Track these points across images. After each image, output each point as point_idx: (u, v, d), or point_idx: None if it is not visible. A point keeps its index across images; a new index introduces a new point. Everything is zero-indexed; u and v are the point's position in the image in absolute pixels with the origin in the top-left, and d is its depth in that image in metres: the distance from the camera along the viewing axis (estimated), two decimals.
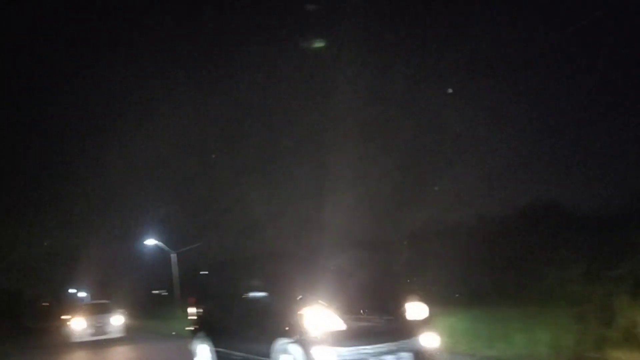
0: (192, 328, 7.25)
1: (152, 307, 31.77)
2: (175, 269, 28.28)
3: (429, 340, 5.25)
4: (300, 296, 5.21)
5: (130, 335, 15.46)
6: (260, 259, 6.95)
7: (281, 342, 5.12)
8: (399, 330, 5.14)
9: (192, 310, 7.27)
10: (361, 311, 5.20)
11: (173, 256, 27.97)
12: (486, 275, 12.02)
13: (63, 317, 17.09)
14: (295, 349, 4.96)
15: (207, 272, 7.70)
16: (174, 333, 14.72)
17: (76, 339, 14.54)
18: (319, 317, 4.92)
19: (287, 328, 5.09)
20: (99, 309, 16.00)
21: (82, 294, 56.02)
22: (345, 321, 4.95)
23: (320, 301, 5.02)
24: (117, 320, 15.38)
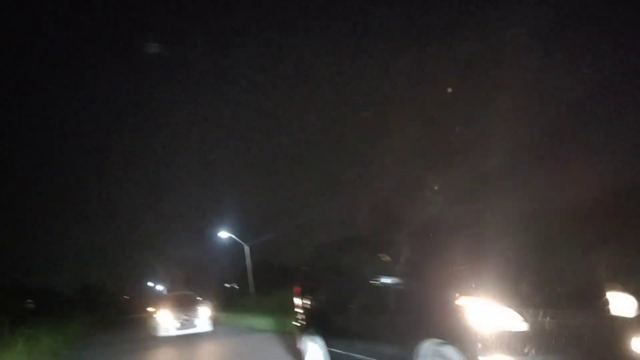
0: (298, 323, 6.33)
1: (227, 300, 31.92)
2: (248, 261, 28.19)
3: None
4: (458, 282, 3.94)
5: (217, 329, 14.53)
6: (391, 234, 5.46)
7: (430, 344, 3.95)
8: (602, 333, 3.70)
9: (297, 301, 6.33)
10: (547, 304, 3.67)
11: (246, 248, 27.87)
12: None
13: (148, 309, 16.63)
14: (452, 354, 3.76)
15: (315, 254, 6.39)
16: (262, 327, 13.91)
17: (162, 333, 13.76)
18: (487, 311, 3.62)
19: (438, 325, 3.89)
20: (184, 301, 15.11)
21: (159, 287, 58.38)
22: (527, 319, 3.56)
23: (487, 288, 3.72)
24: (205, 313, 14.52)
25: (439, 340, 3.87)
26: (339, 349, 5.30)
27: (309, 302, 6.06)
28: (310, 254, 6.70)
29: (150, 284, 65.56)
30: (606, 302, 3.83)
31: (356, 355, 4.93)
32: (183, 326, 13.88)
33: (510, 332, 3.56)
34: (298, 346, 6.16)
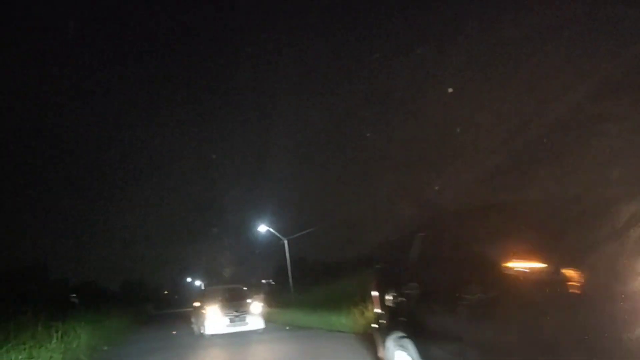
0: (376, 325, 5.08)
1: (268, 296, 31.22)
2: (287, 256, 27.33)
3: None
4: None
5: (268, 327, 13.13)
6: (525, 204, 3.96)
7: None
8: None
9: (376, 296, 5.08)
10: None
11: (285, 242, 27.03)
12: None
13: (194, 304, 15.29)
14: None
15: (400, 239, 4.93)
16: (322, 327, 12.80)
17: (209, 331, 12.25)
18: None
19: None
20: (234, 295, 13.71)
21: (197, 282, 58.70)
22: None
23: None
24: (257, 309, 13.06)
25: None
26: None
27: (391, 299, 4.72)
28: (385, 247, 5.51)
29: (189, 279, 66.20)
30: None
31: None
32: (233, 323, 12.36)
33: None
34: (379, 355, 4.89)
